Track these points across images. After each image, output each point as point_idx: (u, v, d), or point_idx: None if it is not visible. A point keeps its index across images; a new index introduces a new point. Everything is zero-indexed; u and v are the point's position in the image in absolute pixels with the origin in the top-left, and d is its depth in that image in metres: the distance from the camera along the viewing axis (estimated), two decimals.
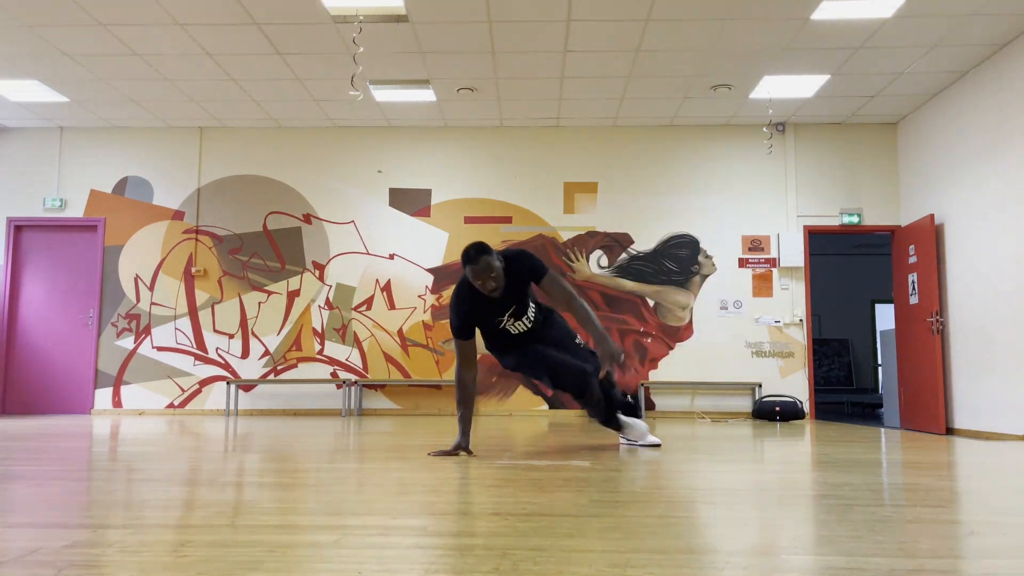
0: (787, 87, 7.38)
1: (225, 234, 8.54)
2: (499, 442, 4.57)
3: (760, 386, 8.15)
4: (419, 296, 8.40)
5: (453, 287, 3.67)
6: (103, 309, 8.44)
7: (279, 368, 8.38)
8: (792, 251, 8.26)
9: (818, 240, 12.53)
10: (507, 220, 8.48)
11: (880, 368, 11.88)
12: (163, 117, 8.33)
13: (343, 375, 8.34)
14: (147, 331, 8.42)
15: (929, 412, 7.34)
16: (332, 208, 8.56)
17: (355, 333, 8.37)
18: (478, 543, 1.68)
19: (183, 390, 8.35)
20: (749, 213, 8.42)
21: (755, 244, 8.38)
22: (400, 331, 8.37)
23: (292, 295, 8.44)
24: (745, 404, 8.22)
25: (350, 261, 8.48)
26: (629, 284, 8.35)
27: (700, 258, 8.39)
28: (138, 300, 8.46)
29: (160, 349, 8.40)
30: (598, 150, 8.57)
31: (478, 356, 3.83)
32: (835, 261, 12.88)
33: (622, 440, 4.37)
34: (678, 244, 8.41)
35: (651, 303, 8.33)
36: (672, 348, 8.28)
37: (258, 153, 8.65)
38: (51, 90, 7.52)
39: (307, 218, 8.55)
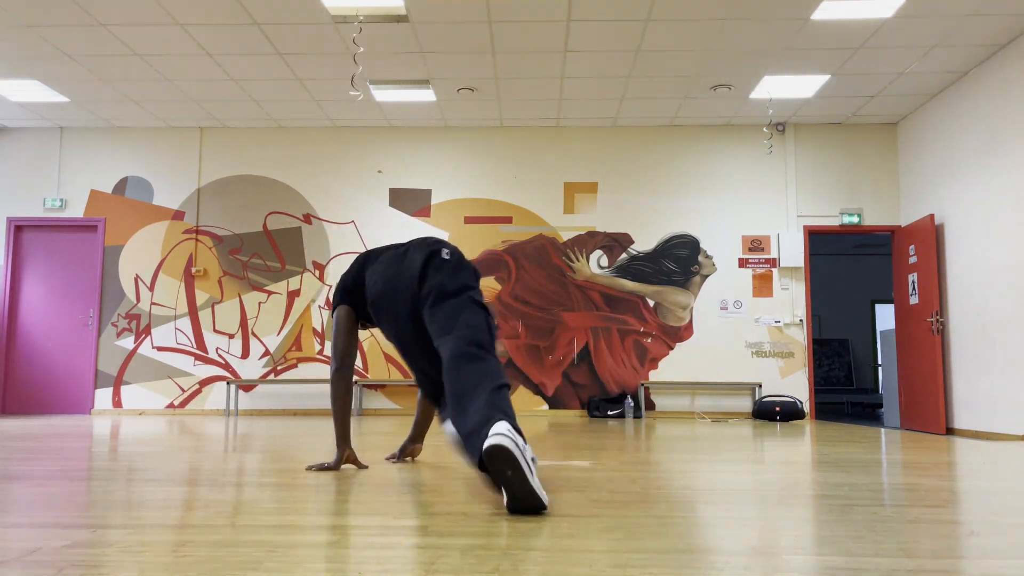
0: (787, 87, 7.38)
1: (225, 234, 8.54)
2: None
3: (760, 386, 8.15)
4: None
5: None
6: (103, 309, 8.44)
7: (279, 368, 8.38)
8: (792, 251, 8.26)
9: (818, 240, 12.53)
10: (507, 220, 8.48)
11: (880, 368, 11.88)
12: (163, 117, 8.33)
13: None
14: (147, 331, 8.42)
15: (929, 412, 7.34)
16: (332, 208, 8.56)
17: None
18: (478, 543, 1.68)
19: (183, 390, 8.35)
20: (749, 213, 8.42)
21: (755, 244, 8.38)
22: None
23: (292, 295, 8.45)
24: (745, 404, 8.22)
25: (350, 261, 8.48)
26: (629, 284, 8.36)
27: (700, 258, 8.39)
28: (138, 300, 8.46)
29: (160, 349, 8.40)
30: (598, 150, 8.57)
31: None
32: (835, 261, 12.89)
33: None
34: (678, 244, 8.41)
35: (651, 303, 8.33)
36: (672, 348, 8.28)
37: (258, 153, 8.65)
38: (51, 90, 7.52)
39: (307, 218, 8.55)
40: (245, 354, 8.40)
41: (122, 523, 1.88)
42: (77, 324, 8.50)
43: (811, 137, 8.47)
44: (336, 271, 8.46)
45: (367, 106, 7.97)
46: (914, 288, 7.78)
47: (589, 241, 8.45)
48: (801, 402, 7.90)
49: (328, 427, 6.07)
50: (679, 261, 8.39)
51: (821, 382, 12.38)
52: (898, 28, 6.11)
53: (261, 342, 8.41)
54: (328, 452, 3.88)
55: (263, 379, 8.28)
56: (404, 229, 8.49)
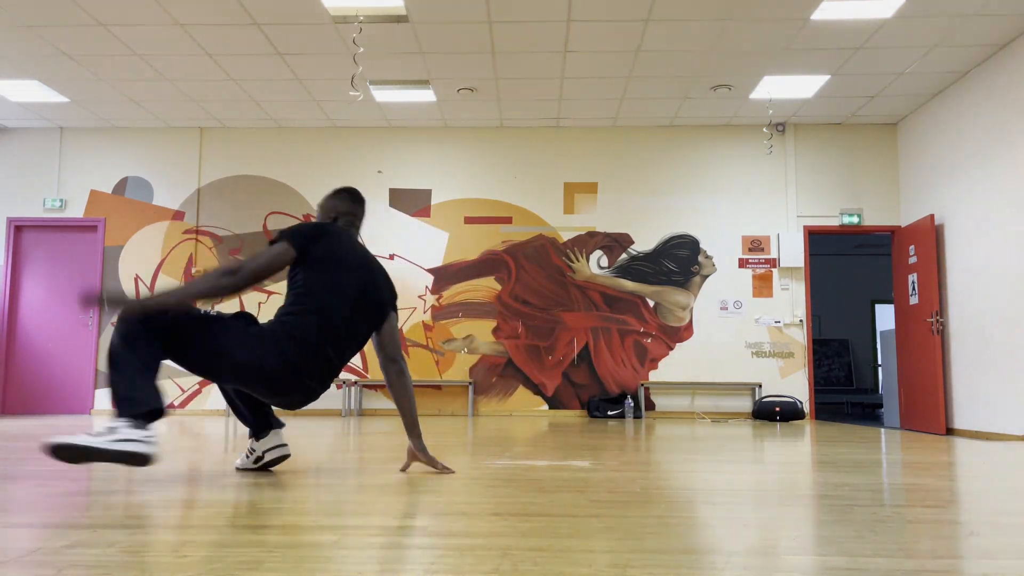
0: (787, 87, 7.38)
1: (225, 234, 8.54)
2: (499, 442, 4.58)
3: (760, 386, 8.15)
4: (419, 296, 8.40)
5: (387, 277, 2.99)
6: (103, 309, 8.43)
7: None
8: (792, 251, 8.26)
9: (818, 240, 12.53)
10: (507, 220, 8.48)
11: (880, 368, 11.88)
12: (163, 117, 8.33)
13: (343, 375, 8.34)
14: None
15: (929, 412, 7.34)
16: None
17: None
18: (478, 543, 1.68)
19: (183, 390, 8.34)
20: (749, 213, 8.42)
21: (755, 244, 8.38)
22: (400, 331, 8.36)
23: None
24: (745, 404, 8.22)
25: None
26: (629, 284, 8.35)
27: (700, 258, 8.39)
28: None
29: None
30: (598, 150, 8.57)
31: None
32: (835, 261, 12.88)
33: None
34: (678, 244, 8.41)
35: (651, 303, 8.33)
36: (672, 348, 8.28)
37: (258, 153, 8.65)
38: (51, 90, 7.52)
39: (307, 218, 8.55)
40: None
41: (122, 523, 1.88)
42: (77, 324, 8.50)
43: (811, 137, 8.47)
44: None
45: (367, 106, 7.97)
46: (914, 288, 7.78)
47: (589, 241, 8.45)
48: (801, 402, 7.90)
49: (324, 427, 6.06)
50: (679, 261, 8.39)
51: (821, 382, 12.38)
52: (898, 28, 6.11)
53: None
54: (321, 451, 3.88)
55: None
56: (404, 229, 8.50)
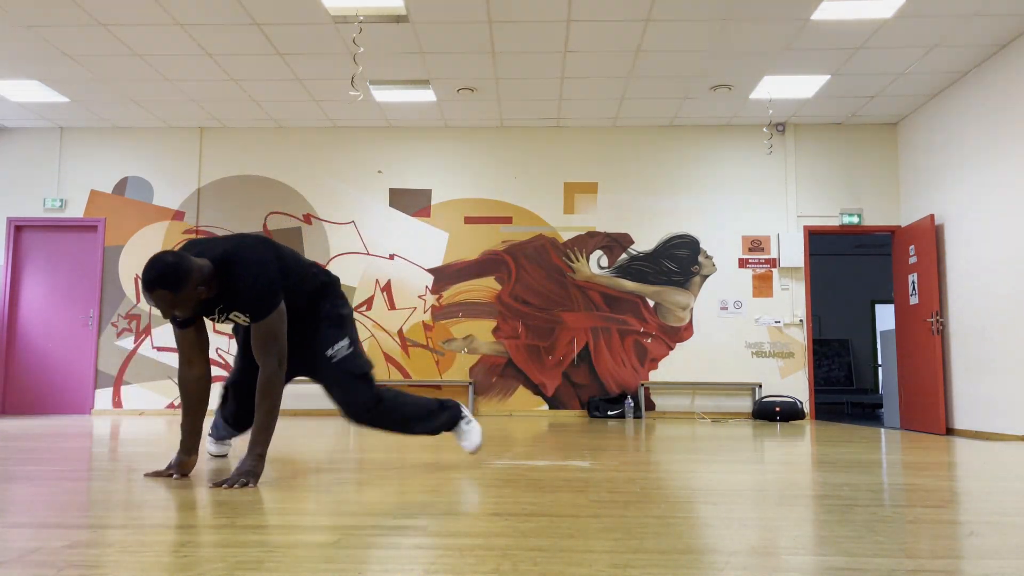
0: (787, 87, 7.38)
1: (225, 235, 8.53)
2: (499, 442, 4.58)
3: (760, 386, 8.15)
4: (419, 296, 8.41)
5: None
6: (103, 309, 8.44)
7: None
8: (792, 251, 8.26)
9: (818, 240, 12.53)
10: (507, 220, 8.48)
11: (880, 368, 11.88)
12: (163, 117, 8.33)
13: None
14: (147, 331, 8.42)
15: (929, 412, 7.34)
16: (332, 208, 8.56)
17: None
18: (478, 543, 1.68)
19: None
20: (749, 213, 8.42)
21: (755, 244, 8.38)
22: (400, 331, 8.37)
23: None
24: (745, 404, 8.22)
25: (350, 261, 8.48)
26: (629, 284, 8.35)
27: (700, 258, 8.39)
28: (138, 300, 8.46)
29: (160, 349, 8.40)
30: (598, 150, 8.57)
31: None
32: (835, 261, 12.89)
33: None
34: (678, 244, 8.41)
35: (651, 303, 8.33)
36: (672, 348, 8.28)
37: (258, 153, 8.65)
38: (51, 90, 7.52)
39: (307, 218, 8.55)
40: None
41: (122, 523, 1.88)
42: (77, 324, 8.50)
43: (811, 137, 8.47)
44: (336, 271, 8.45)
45: (367, 106, 7.97)
46: (914, 288, 7.78)
47: (589, 241, 8.45)
48: (801, 402, 7.90)
49: (324, 427, 6.06)
50: (679, 261, 8.39)
51: (821, 382, 12.38)
52: (898, 28, 6.11)
53: None
54: (321, 451, 3.88)
55: None
56: (404, 229, 8.50)
